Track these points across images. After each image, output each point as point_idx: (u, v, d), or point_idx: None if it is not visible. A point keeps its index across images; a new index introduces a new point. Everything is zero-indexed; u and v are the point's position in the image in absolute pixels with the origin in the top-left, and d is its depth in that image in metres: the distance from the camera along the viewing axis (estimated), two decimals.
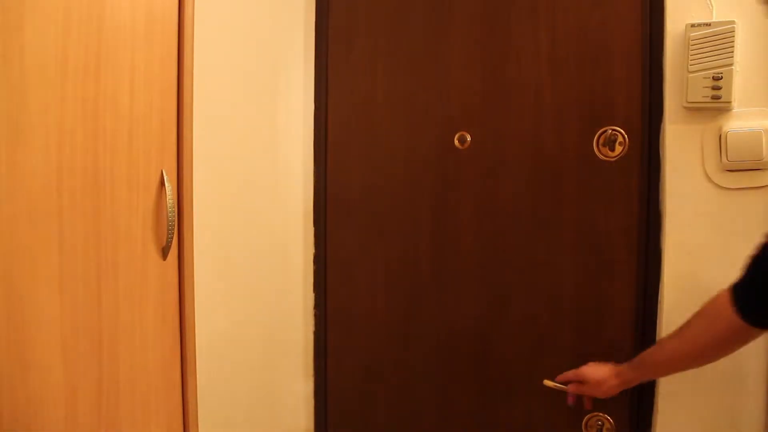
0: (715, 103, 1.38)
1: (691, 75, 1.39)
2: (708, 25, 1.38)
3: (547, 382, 1.49)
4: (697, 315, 1.15)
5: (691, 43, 1.39)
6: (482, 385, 1.66)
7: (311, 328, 1.80)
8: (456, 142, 1.64)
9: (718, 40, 1.36)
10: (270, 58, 1.63)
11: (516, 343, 1.62)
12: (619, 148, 1.51)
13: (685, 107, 1.42)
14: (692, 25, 1.39)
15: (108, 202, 1.03)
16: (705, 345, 1.11)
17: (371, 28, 1.72)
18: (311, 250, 1.79)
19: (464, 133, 1.63)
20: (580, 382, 1.43)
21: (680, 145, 1.44)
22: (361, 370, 1.77)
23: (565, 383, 1.49)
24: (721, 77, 1.36)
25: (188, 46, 1.20)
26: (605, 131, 1.52)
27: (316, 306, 1.80)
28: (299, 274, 1.78)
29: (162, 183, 1.14)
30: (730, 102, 1.36)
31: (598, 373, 1.39)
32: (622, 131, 1.50)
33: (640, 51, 1.49)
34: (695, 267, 1.31)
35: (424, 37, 1.67)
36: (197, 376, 1.26)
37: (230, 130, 1.45)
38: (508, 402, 1.63)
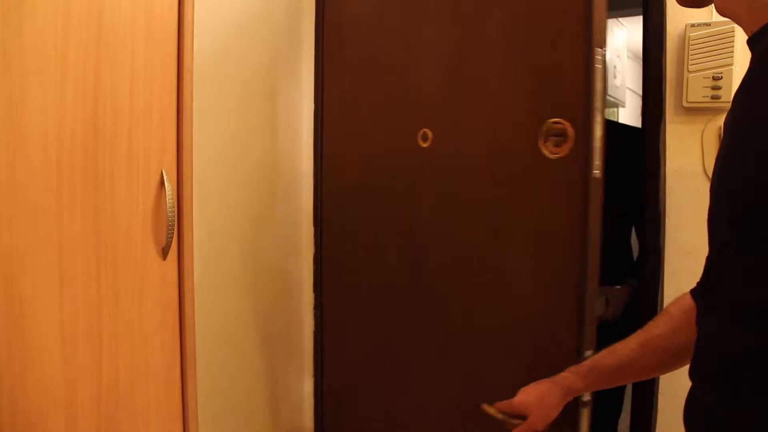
0: (714, 102, 1.38)
1: (690, 75, 1.39)
2: (708, 25, 1.38)
3: (486, 408, 1.21)
4: (659, 318, 1.10)
5: (691, 42, 1.39)
6: (461, 391, 1.55)
7: (311, 328, 1.80)
8: (419, 140, 1.58)
9: (718, 39, 1.36)
10: (270, 57, 1.63)
11: (478, 352, 1.50)
12: (565, 144, 1.32)
13: (685, 107, 1.42)
14: (692, 25, 1.39)
15: (108, 202, 1.03)
16: (670, 343, 1.07)
17: (359, 24, 1.70)
18: (311, 250, 1.79)
19: (426, 130, 1.56)
20: (520, 417, 1.17)
21: (680, 145, 1.43)
22: (359, 370, 1.77)
23: (509, 415, 1.19)
24: (721, 77, 1.36)
25: (188, 45, 1.20)
26: (548, 124, 1.34)
27: (316, 306, 1.79)
28: (299, 274, 1.78)
29: (162, 183, 1.14)
30: (730, 102, 1.36)
31: (534, 393, 1.15)
32: (567, 124, 1.31)
33: (584, 31, 1.28)
34: (695, 267, 1.30)
35: (398, 36, 1.62)
36: (197, 376, 1.26)
37: (230, 129, 1.45)
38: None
